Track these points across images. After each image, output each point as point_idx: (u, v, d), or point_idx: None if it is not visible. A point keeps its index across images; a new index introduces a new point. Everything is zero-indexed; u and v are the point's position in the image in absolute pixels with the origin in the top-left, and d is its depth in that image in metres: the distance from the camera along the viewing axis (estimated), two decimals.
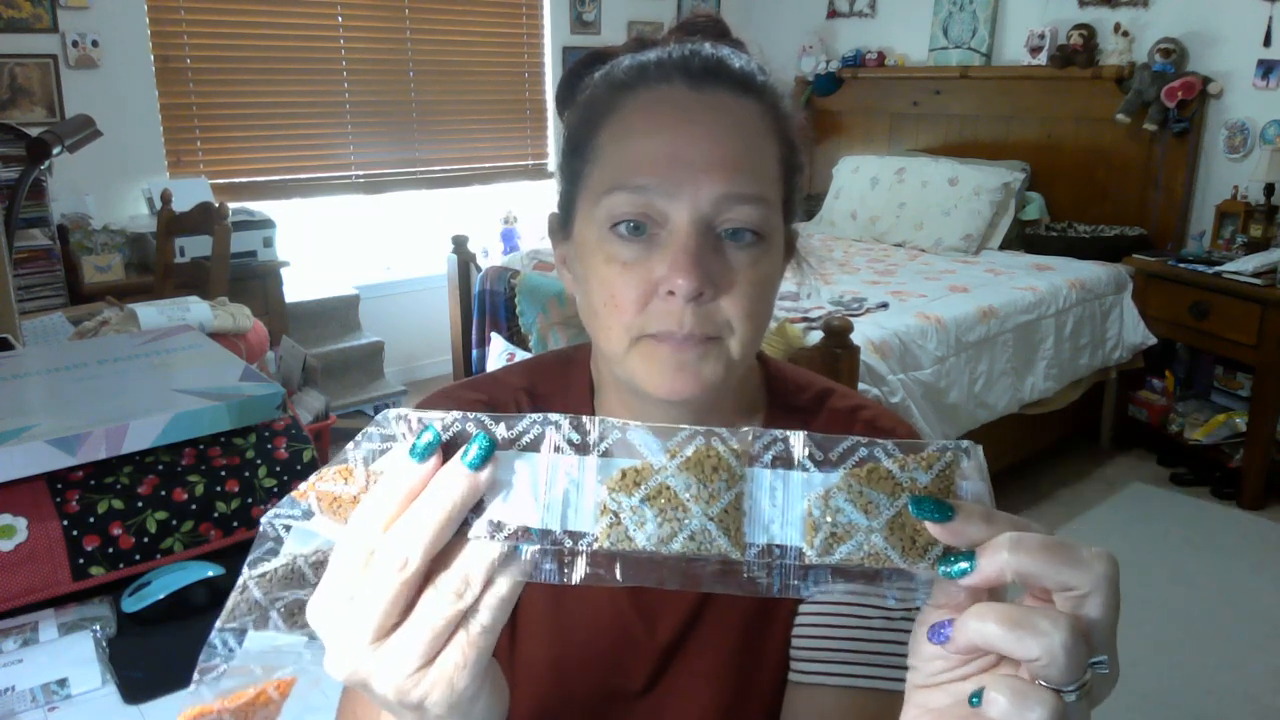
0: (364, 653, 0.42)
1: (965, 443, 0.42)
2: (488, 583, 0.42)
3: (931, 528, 0.40)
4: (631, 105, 0.66)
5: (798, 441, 0.41)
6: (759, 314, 0.66)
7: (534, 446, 0.42)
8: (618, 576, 0.42)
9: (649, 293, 0.64)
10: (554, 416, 0.43)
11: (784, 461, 0.41)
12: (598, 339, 0.68)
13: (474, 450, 0.41)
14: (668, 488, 0.41)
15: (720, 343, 0.65)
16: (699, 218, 0.63)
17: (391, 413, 0.44)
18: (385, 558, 0.41)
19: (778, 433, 0.42)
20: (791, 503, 0.41)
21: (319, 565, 0.45)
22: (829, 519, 0.40)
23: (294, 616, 0.45)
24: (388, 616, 0.41)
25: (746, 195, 0.63)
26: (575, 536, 0.41)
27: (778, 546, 0.41)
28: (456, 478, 0.41)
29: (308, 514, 0.44)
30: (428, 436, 0.42)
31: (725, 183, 0.63)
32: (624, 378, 0.68)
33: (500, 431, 0.43)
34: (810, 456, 0.41)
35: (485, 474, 0.41)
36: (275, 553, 0.44)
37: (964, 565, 0.39)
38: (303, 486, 0.44)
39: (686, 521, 0.40)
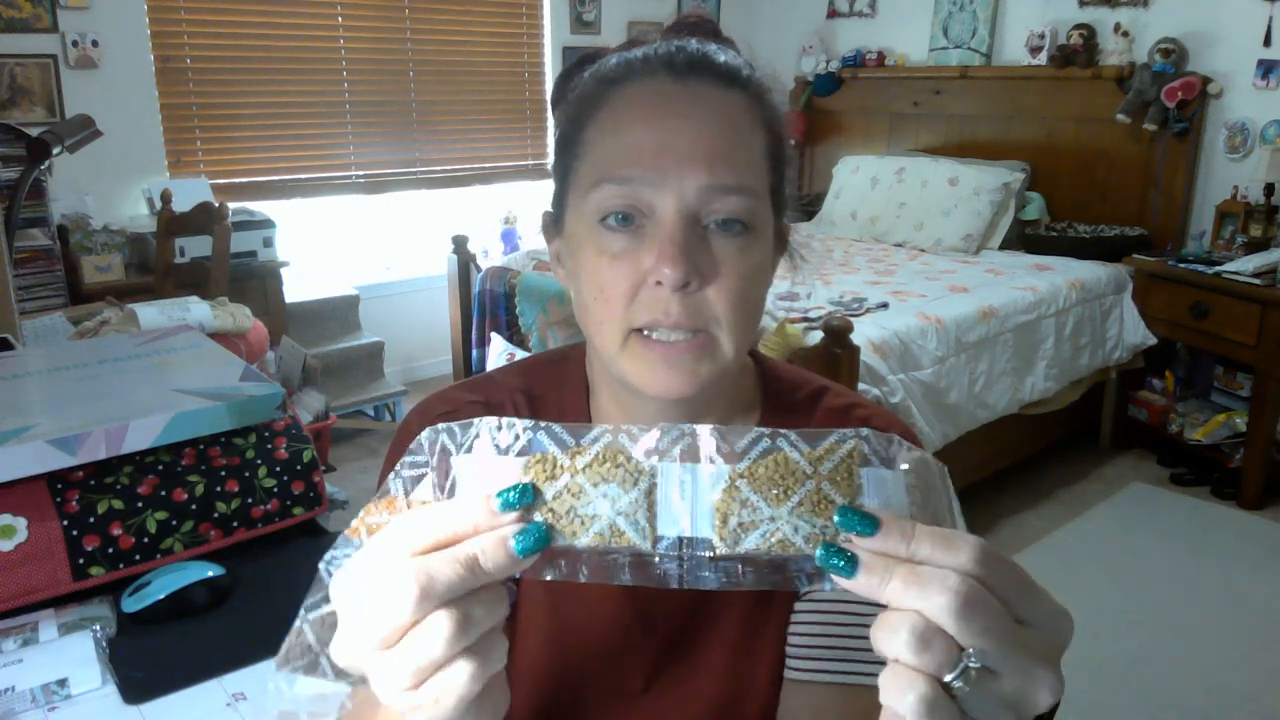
0: (366, 654, 0.43)
1: (865, 431, 0.43)
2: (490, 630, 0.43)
3: (857, 541, 0.41)
4: (617, 99, 0.67)
5: (705, 435, 0.42)
6: (748, 305, 0.66)
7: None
8: (532, 571, 0.43)
9: (638, 284, 0.64)
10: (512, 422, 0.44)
11: (691, 455, 0.42)
12: (591, 335, 0.69)
13: (529, 540, 0.42)
14: (577, 485, 0.42)
15: (711, 339, 0.65)
16: (685, 208, 0.63)
17: (425, 436, 0.45)
18: (408, 581, 0.41)
19: (685, 427, 0.43)
20: (700, 495, 0.42)
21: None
22: (736, 509, 0.41)
23: (343, 671, 0.45)
24: (394, 634, 0.42)
25: (732, 185, 0.64)
26: None
27: (687, 539, 0.41)
28: (505, 555, 0.42)
29: (361, 548, 0.45)
30: (514, 494, 0.42)
31: (710, 173, 0.63)
32: (617, 376, 0.68)
33: (503, 440, 0.44)
34: (718, 450, 0.42)
35: (529, 560, 0.43)
36: (329, 599, 0.45)
37: (845, 567, 0.40)
38: (353, 524, 0.46)
39: (596, 518, 0.41)
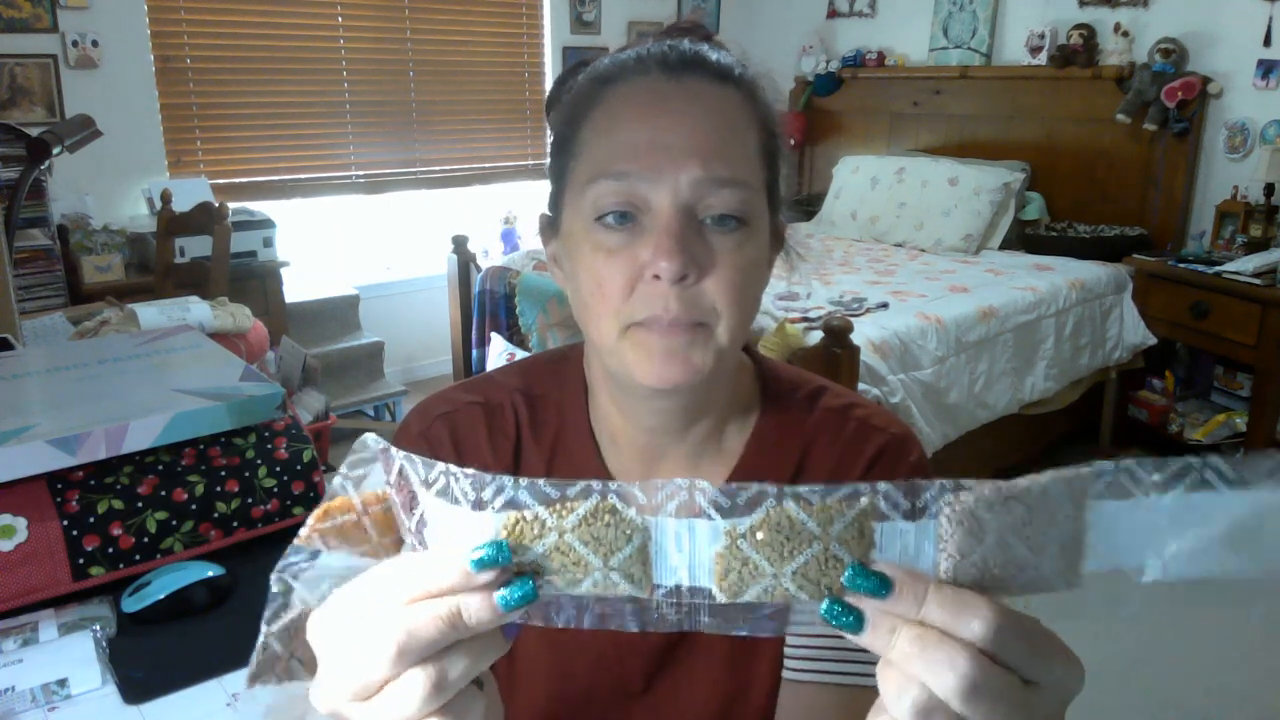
0: (342, 703, 0.42)
1: (883, 486, 0.40)
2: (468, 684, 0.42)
3: (867, 601, 0.39)
4: (611, 98, 0.67)
5: (702, 491, 0.40)
6: (745, 299, 0.66)
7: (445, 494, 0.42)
8: (530, 619, 0.42)
9: (635, 279, 0.65)
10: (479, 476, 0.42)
11: (688, 511, 0.40)
12: (589, 331, 0.69)
13: (515, 596, 0.40)
14: (565, 544, 0.40)
15: (708, 329, 0.65)
16: (680, 202, 0.64)
17: (369, 437, 0.44)
18: (387, 636, 0.40)
19: (681, 482, 0.41)
20: (699, 549, 0.40)
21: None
22: (736, 566, 0.39)
23: (315, 665, 0.45)
24: (369, 688, 0.41)
25: (726, 179, 0.64)
26: None
27: (686, 588, 0.40)
28: (490, 612, 0.40)
29: (314, 555, 0.44)
30: (487, 553, 0.40)
31: (704, 167, 0.64)
32: (614, 369, 0.68)
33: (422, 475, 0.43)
34: (715, 505, 0.40)
35: (513, 615, 0.41)
36: (288, 605, 0.44)
37: (851, 624, 0.39)
38: (302, 532, 0.44)
39: (589, 574, 0.40)
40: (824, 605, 0.39)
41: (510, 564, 0.40)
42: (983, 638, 0.38)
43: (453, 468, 0.42)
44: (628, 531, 0.40)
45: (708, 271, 0.64)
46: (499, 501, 0.41)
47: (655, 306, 0.64)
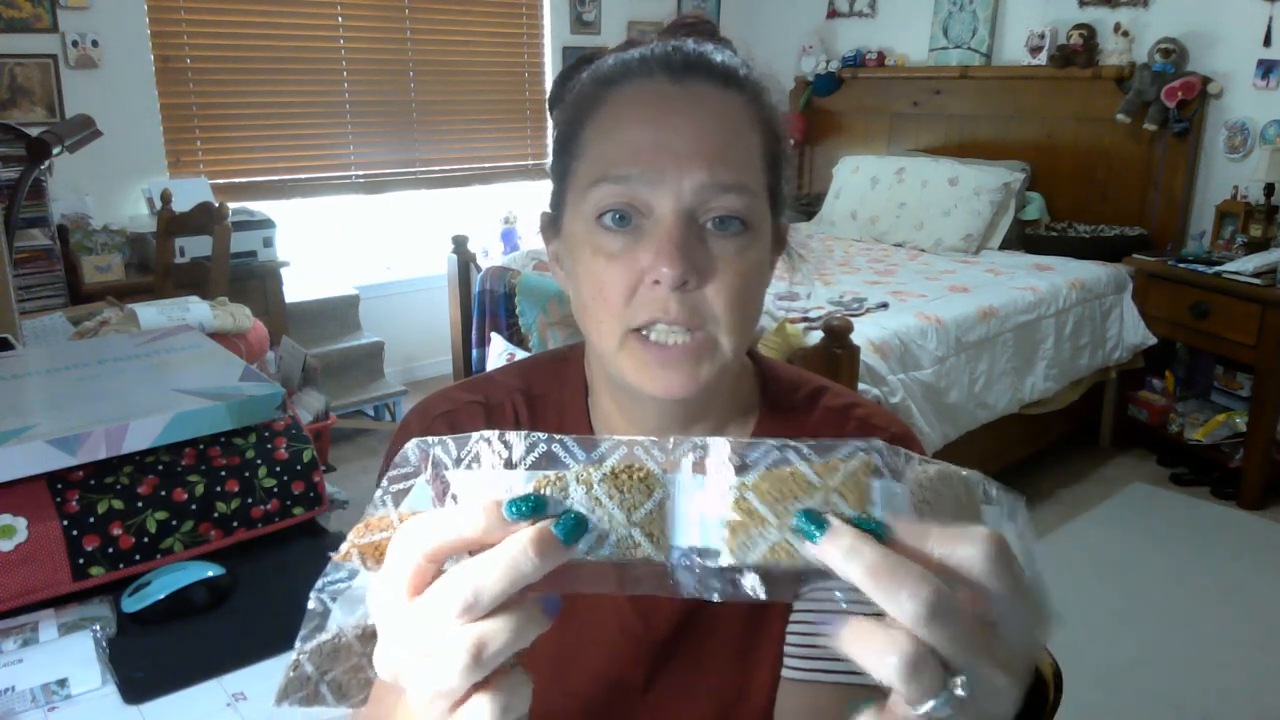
0: (402, 668, 0.40)
1: (877, 442, 0.41)
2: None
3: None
4: (615, 100, 0.67)
5: (716, 447, 0.41)
6: (747, 304, 0.66)
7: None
8: (553, 584, 0.41)
9: (635, 283, 0.64)
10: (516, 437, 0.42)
11: (702, 468, 0.41)
12: (590, 334, 0.69)
13: (568, 526, 0.39)
14: (594, 497, 0.40)
15: (710, 338, 0.65)
16: (682, 207, 0.64)
17: (412, 446, 0.43)
18: (460, 649, 0.38)
19: (698, 440, 0.42)
20: (710, 507, 0.41)
21: (366, 637, 0.44)
22: (744, 519, 0.40)
23: (341, 690, 0.45)
24: (428, 649, 0.39)
25: (729, 184, 0.64)
26: None
27: (698, 550, 0.41)
28: (552, 545, 0.39)
29: (353, 574, 0.44)
30: (525, 503, 0.39)
31: (708, 171, 0.63)
32: (615, 375, 0.68)
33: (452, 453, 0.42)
34: (729, 461, 0.41)
35: (572, 550, 0.39)
36: (323, 627, 0.44)
37: (814, 532, 0.38)
38: (342, 548, 0.43)
39: (613, 528, 0.40)
40: (796, 517, 0.39)
41: (545, 511, 0.40)
42: (969, 566, 0.37)
43: (486, 433, 0.42)
44: (649, 486, 0.41)
45: (709, 278, 0.64)
46: (531, 459, 0.41)
47: (655, 311, 0.64)
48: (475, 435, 0.43)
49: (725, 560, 0.40)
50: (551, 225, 0.74)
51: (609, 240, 0.65)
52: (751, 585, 0.41)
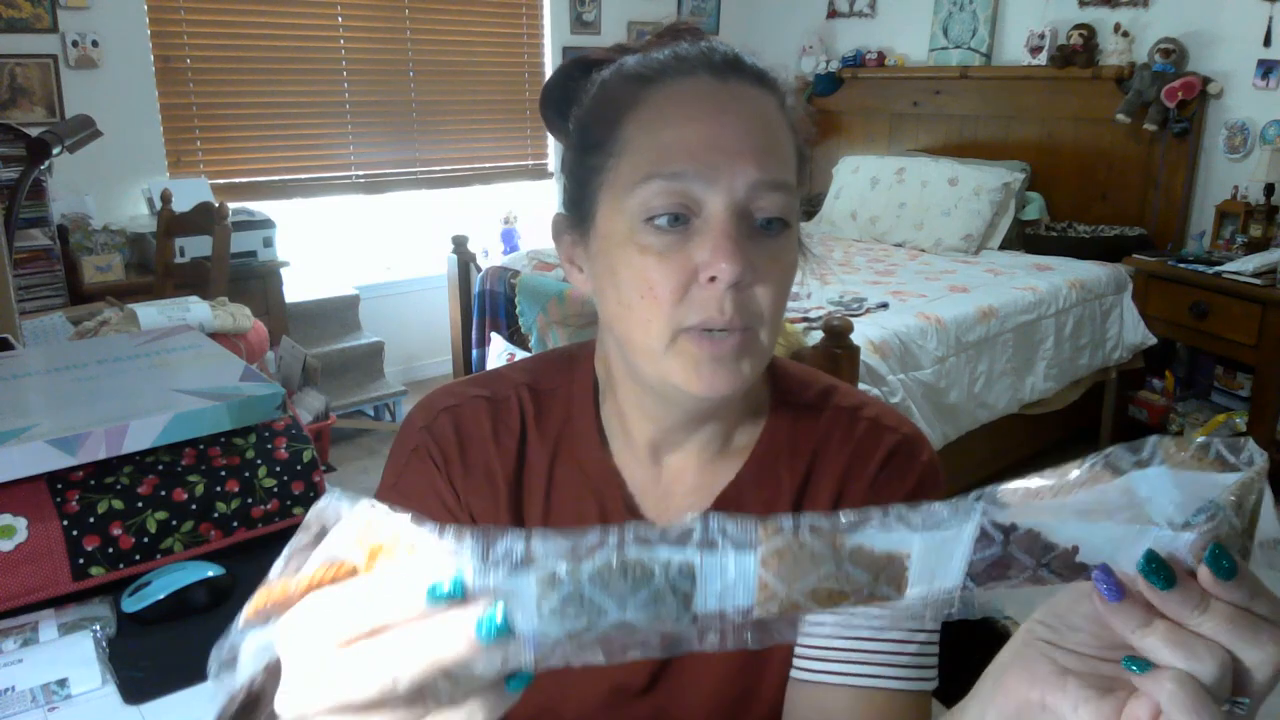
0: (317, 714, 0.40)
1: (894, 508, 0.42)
2: None
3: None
4: (658, 97, 0.66)
5: (719, 524, 0.40)
6: (784, 303, 0.67)
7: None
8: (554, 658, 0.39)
9: (688, 281, 0.64)
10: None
11: (710, 545, 0.40)
12: (632, 335, 0.67)
13: (489, 624, 0.37)
14: (584, 595, 0.38)
15: (754, 337, 0.65)
16: (735, 204, 0.63)
17: (319, 506, 0.41)
18: (376, 667, 0.37)
19: (688, 524, 0.40)
20: (737, 575, 0.40)
21: (273, 672, 0.42)
22: (771, 586, 0.40)
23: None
24: (352, 707, 0.38)
25: (777, 182, 0.65)
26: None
27: (729, 610, 0.40)
28: (467, 645, 0.37)
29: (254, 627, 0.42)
30: (447, 586, 0.37)
31: (759, 169, 0.64)
32: (657, 376, 0.67)
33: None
34: (730, 535, 0.40)
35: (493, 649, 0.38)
36: (234, 685, 0.42)
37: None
38: (243, 615, 0.42)
39: (606, 617, 0.39)
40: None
41: (459, 592, 0.37)
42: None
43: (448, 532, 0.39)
44: (646, 576, 0.39)
45: (761, 278, 0.64)
46: (505, 568, 0.38)
47: (710, 310, 0.63)
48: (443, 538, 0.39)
49: (755, 615, 0.40)
50: (574, 227, 0.72)
51: (658, 238, 0.64)
52: (785, 632, 0.41)
